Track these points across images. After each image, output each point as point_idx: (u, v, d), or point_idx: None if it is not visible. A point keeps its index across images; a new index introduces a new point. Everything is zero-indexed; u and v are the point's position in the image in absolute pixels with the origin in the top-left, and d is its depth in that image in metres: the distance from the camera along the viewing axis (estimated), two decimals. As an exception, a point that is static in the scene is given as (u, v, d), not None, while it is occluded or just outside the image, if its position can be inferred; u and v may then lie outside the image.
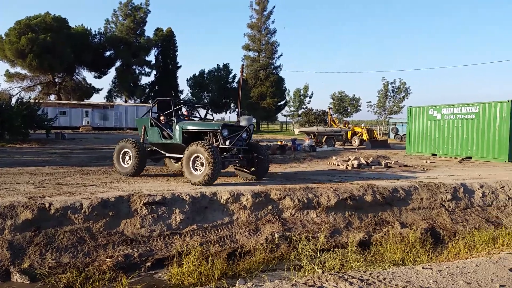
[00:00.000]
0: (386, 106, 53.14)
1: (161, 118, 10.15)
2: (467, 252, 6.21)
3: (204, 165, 8.26)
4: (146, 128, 10.15)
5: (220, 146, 8.86)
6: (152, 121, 9.98)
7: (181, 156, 9.31)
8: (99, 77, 55.40)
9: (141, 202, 7.11)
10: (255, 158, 9.64)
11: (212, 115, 11.36)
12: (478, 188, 9.50)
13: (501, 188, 9.62)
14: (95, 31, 52.79)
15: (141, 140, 10.16)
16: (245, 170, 9.86)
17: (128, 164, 9.95)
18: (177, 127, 9.39)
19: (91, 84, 54.27)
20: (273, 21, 60.62)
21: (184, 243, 6.60)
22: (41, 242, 5.95)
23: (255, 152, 9.66)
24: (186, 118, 10.37)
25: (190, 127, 9.33)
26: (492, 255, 5.32)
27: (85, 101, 47.31)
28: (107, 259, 5.87)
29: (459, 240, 6.87)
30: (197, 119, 10.91)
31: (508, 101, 16.19)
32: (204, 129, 9.27)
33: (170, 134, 9.68)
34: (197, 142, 8.42)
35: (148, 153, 10.16)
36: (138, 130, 10.66)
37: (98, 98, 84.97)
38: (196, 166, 8.51)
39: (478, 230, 7.69)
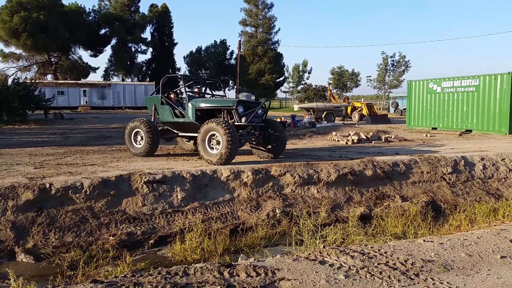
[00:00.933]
0: (386, 80, 52.63)
1: (172, 96, 9.91)
2: (468, 224, 6.25)
3: (221, 143, 7.98)
4: (156, 106, 9.85)
5: (236, 123, 8.56)
6: (162, 99, 9.67)
7: (194, 135, 9.14)
8: (95, 55, 54.69)
9: (141, 180, 7.11)
10: (272, 135, 9.33)
11: (224, 91, 10.99)
12: (479, 161, 9.50)
13: (501, 160, 9.63)
14: (89, 9, 51.86)
15: (152, 119, 9.87)
16: (261, 148, 9.59)
17: (140, 144, 9.69)
18: (189, 104, 9.08)
19: (87, 63, 53.66)
20: (270, -5, 59.26)
21: (186, 220, 6.63)
22: (43, 222, 5.97)
23: (271, 129, 9.32)
24: (197, 95, 10.00)
25: (203, 105, 9.02)
26: (493, 227, 5.36)
27: (83, 81, 46.87)
28: (110, 238, 5.90)
29: (460, 213, 6.91)
30: (209, 96, 10.56)
31: (509, 73, 16.05)
32: (218, 106, 8.95)
33: (182, 112, 9.39)
34: (212, 120, 8.15)
35: (160, 133, 9.86)
36: (148, 109, 10.39)
37: (95, 77, 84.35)
38: (212, 144, 8.25)
39: (479, 202, 7.72)
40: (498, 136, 15.80)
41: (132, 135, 9.81)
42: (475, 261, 4.13)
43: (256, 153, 9.77)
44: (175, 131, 9.86)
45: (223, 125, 7.90)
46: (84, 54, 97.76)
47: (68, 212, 6.22)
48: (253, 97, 10.17)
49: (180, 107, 9.58)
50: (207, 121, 8.25)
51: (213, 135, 8.17)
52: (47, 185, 6.42)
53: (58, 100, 37.31)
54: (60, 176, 6.98)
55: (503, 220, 5.96)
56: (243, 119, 8.57)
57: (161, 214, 6.76)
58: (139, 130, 9.61)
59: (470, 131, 17.65)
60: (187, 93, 9.38)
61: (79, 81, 45.08)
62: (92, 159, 9.35)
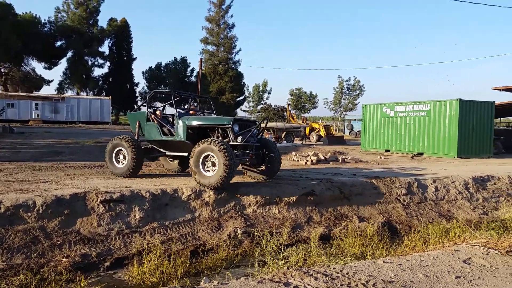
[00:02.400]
0: (341, 103, 54.46)
1: (157, 112, 9.38)
2: (422, 245, 6.47)
3: (217, 165, 7.33)
4: (141, 124, 9.17)
5: (231, 142, 7.99)
6: (149, 116, 9.10)
7: (183, 154, 8.69)
8: (49, 68, 52.67)
9: (97, 199, 6.86)
10: (266, 155, 8.87)
11: (213, 108, 10.36)
12: (431, 183, 9.93)
13: (452, 183, 10.12)
14: (44, 20, 50.10)
15: (136, 137, 9.19)
16: (253, 169, 9.07)
17: (123, 164, 8.96)
18: (180, 122, 8.50)
19: (40, 75, 51.54)
20: (232, 15, 60.14)
21: (145, 241, 6.43)
22: (-11, 243, 5.58)
23: (266, 149, 8.86)
24: (188, 111, 9.44)
25: (195, 122, 8.44)
26: (447, 248, 5.58)
27: (35, 93, 44.88)
28: (64, 259, 5.60)
29: (415, 233, 7.16)
30: (198, 112, 9.92)
31: (457, 99, 17.05)
32: (212, 125, 8.38)
33: (171, 130, 8.81)
34: (207, 140, 7.50)
35: (144, 152, 9.19)
36: (131, 126, 9.70)
37: (48, 90, 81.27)
38: (207, 166, 7.59)
39: (432, 223, 8.04)
40: (448, 159, 16.63)
41: (114, 154, 9.08)
42: (432, 281, 4.27)
43: (248, 174, 9.25)
44: (162, 150, 9.24)
45: (220, 145, 7.28)
46: (37, 66, 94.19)
47: (18, 232, 5.86)
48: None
49: (168, 125, 9.04)
50: (201, 141, 7.62)
51: (208, 156, 7.53)
52: (-5, 204, 6.04)
53: (7, 113, 35.53)
54: (10, 194, 6.59)
55: (456, 240, 6.23)
56: (239, 139, 8.03)
57: (117, 235, 6.52)
58: (122, 148, 8.93)
59: (422, 154, 18.47)
60: (177, 110, 8.80)
61: (31, 94, 43.14)
62: (44, 175, 8.90)
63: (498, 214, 9.37)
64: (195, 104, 10.28)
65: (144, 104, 9.64)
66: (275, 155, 8.88)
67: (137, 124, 9.22)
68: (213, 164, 7.49)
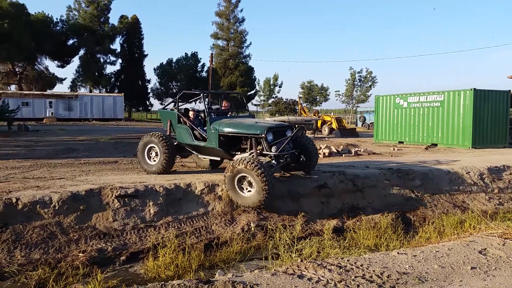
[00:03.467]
0: (353, 95, 53.94)
1: (190, 113, 8.94)
2: (437, 236, 6.42)
3: (255, 187, 6.94)
4: (172, 123, 8.99)
5: (265, 152, 7.60)
6: (180, 117, 8.79)
7: (217, 159, 8.58)
8: (62, 66, 53.43)
9: (113, 195, 6.95)
10: (302, 153, 8.42)
11: (247, 106, 10.05)
12: (446, 174, 9.82)
13: (466, 173, 9.99)
14: (56, 19, 50.75)
15: (168, 133, 8.99)
16: (289, 169, 8.72)
17: (155, 161, 8.86)
18: (211, 128, 8.07)
19: (54, 73, 52.40)
20: (241, 10, 59.90)
21: (159, 235, 6.51)
22: (9, 239, 5.72)
23: (303, 154, 8.40)
24: (216, 114, 8.98)
25: (227, 129, 7.97)
26: (462, 239, 5.53)
27: (48, 92, 45.55)
28: (80, 254, 5.71)
29: (429, 225, 7.10)
30: (229, 113, 9.61)
31: (471, 89, 16.77)
32: (244, 134, 7.86)
33: (203, 134, 8.40)
34: (242, 161, 6.96)
35: (176, 149, 8.95)
36: (162, 123, 9.52)
37: (61, 88, 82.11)
38: (243, 185, 7.22)
39: (446, 214, 7.96)
40: (462, 150, 16.40)
41: (146, 151, 8.97)
42: (447, 272, 4.24)
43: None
44: (194, 152, 8.97)
45: (256, 169, 6.77)
46: (50, 65, 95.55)
47: (35, 228, 5.99)
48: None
49: (200, 128, 8.61)
50: (235, 161, 7.13)
51: (244, 177, 7.13)
52: (14, 200, 6.18)
53: (22, 111, 36.10)
54: (27, 190, 6.73)
55: (471, 231, 6.16)
56: (273, 149, 7.53)
57: (133, 230, 6.61)
58: (154, 145, 8.80)
59: (436, 145, 18.25)
60: (209, 113, 8.40)
61: (45, 92, 43.80)
62: (60, 172, 9.05)
63: (514, 205, 9.23)
64: (227, 104, 9.79)
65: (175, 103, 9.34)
66: (312, 152, 8.47)
67: (168, 123, 9.03)
68: (250, 184, 7.11)
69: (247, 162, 6.89)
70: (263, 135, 7.49)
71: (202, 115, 9.11)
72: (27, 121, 33.30)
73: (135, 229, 6.62)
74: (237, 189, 7.22)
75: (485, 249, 4.99)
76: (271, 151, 7.50)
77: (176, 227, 6.83)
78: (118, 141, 17.30)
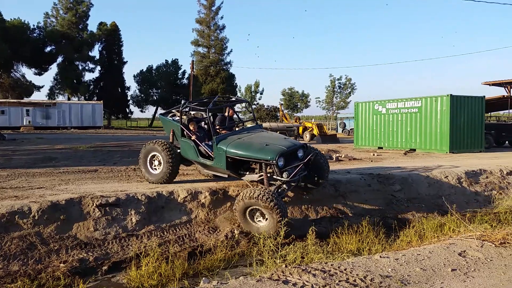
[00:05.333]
0: (333, 101, 54.65)
1: (191, 127, 8.29)
2: (418, 240, 6.53)
3: (269, 218, 6.62)
4: (175, 134, 8.48)
5: (274, 176, 7.18)
6: (183, 131, 8.25)
7: (224, 175, 8.09)
8: (39, 73, 52.48)
9: (93, 204, 6.86)
10: (313, 181, 8.13)
11: (253, 113, 9.73)
12: (425, 178, 10.03)
13: (445, 178, 10.22)
14: (33, 25, 49.90)
15: (170, 141, 8.57)
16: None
17: (158, 170, 8.49)
18: (218, 149, 7.49)
19: (31, 81, 51.44)
20: (222, 17, 60.22)
21: (142, 244, 6.44)
22: (-14, 251, 5.56)
23: (315, 172, 8.05)
24: (221, 130, 8.38)
25: (235, 152, 7.35)
26: (443, 242, 5.65)
27: (25, 99, 44.64)
28: (61, 265, 5.60)
29: (410, 229, 7.22)
30: (235, 124, 9.15)
31: (448, 95, 17.20)
32: (254, 159, 7.26)
33: (209, 152, 7.82)
34: (252, 194, 6.57)
35: (181, 157, 8.49)
36: (164, 129, 9.13)
37: (39, 96, 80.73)
38: (255, 217, 6.91)
39: (426, 218, 8.12)
40: (440, 155, 16.76)
41: (148, 159, 8.61)
42: (429, 275, 4.33)
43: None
44: (200, 167, 8.58)
45: (267, 200, 6.45)
46: (27, 72, 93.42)
47: (14, 238, 5.85)
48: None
49: (205, 145, 8.01)
50: (244, 194, 6.71)
51: (256, 210, 6.83)
52: (-9, 211, 6.01)
53: (-2, 119, 35.35)
54: (5, 201, 6.57)
55: (451, 234, 6.30)
56: (285, 175, 7.04)
57: (114, 239, 6.52)
58: (157, 153, 8.42)
59: (414, 150, 18.60)
60: (215, 130, 7.97)
61: (21, 100, 42.88)
62: (39, 182, 8.86)
63: (491, 207, 9.48)
64: (232, 111, 9.33)
65: (177, 111, 8.81)
66: (325, 170, 8.20)
67: (171, 132, 8.57)
68: (262, 215, 6.81)
69: (258, 196, 6.51)
70: (274, 161, 6.97)
71: (203, 124, 8.84)
72: (3, 129, 32.47)
73: (116, 238, 6.53)
74: (249, 220, 6.90)
75: (465, 251, 5.11)
76: (282, 177, 7.05)
77: (158, 236, 6.77)
78: (97, 149, 17.05)
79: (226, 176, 8.01)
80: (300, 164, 7.29)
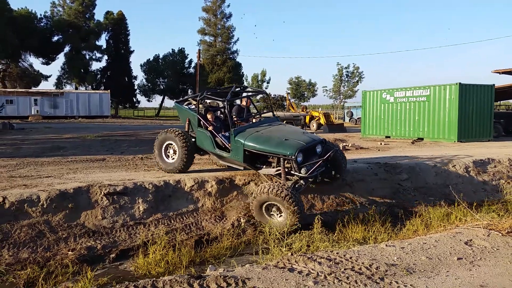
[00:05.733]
0: (341, 90, 54.33)
1: (209, 116, 8.26)
2: (424, 229, 6.53)
3: (284, 213, 6.55)
4: (191, 123, 8.44)
5: (292, 172, 7.06)
6: (200, 120, 8.14)
7: (239, 167, 7.95)
8: (47, 63, 52.60)
9: (101, 192, 6.92)
10: (330, 175, 8.09)
11: (271, 105, 9.38)
12: (432, 167, 9.97)
13: (452, 167, 10.15)
14: (40, 15, 49.93)
15: (186, 129, 8.53)
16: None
17: (173, 159, 8.43)
18: (236, 141, 7.42)
19: (38, 70, 51.53)
20: (229, 5, 59.80)
21: (149, 232, 6.50)
22: (-4, 239, 5.65)
23: (333, 167, 8.00)
24: (238, 122, 8.22)
25: (253, 145, 7.26)
26: (449, 230, 5.64)
27: (33, 89, 44.86)
28: (69, 253, 5.68)
29: (417, 218, 7.21)
30: (252, 116, 8.95)
31: (457, 83, 17.00)
32: (273, 153, 7.17)
33: (226, 144, 7.76)
34: (269, 189, 6.52)
35: (196, 146, 8.39)
36: (180, 117, 9.04)
37: (46, 86, 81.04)
38: (272, 212, 6.81)
39: (433, 207, 8.09)
40: (448, 144, 16.64)
41: (163, 148, 8.58)
42: (434, 263, 4.33)
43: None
44: (215, 157, 8.41)
45: (284, 196, 6.39)
46: (35, 62, 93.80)
47: (23, 226, 5.93)
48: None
49: (222, 136, 7.95)
50: (261, 189, 6.66)
51: (272, 205, 6.74)
52: (0, 199, 6.10)
53: (7, 109, 35.63)
54: (14, 189, 6.65)
55: (457, 223, 6.28)
56: (303, 171, 6.97)
57: (122, 227, 6.59)
58: (172, 142, 8.38)
59: (422, 139, 18.48)
60: (234, 123, 7.81)
61: (29, 90, 43.09)
62: (47, 170, 8.95)
63: (498, 197, 9.42)
64: (248, 101, 9.16)
65: (193, 100, 8.79)
66: (342, 165, 8.17)
67: (187, 121, 8.54)
68: (278, 210, 6.71)
69: (276, 191, 6.45)
70: (293, 156, 6.90)
71: (219, 113, 8.78)
72: (12, 119, 32.80)
73: (124, 226, 6.60)
74: (266, 215, 6.83)
75: (471, 240, 5.10)
76: (300, 172, 6.95)
77: (166, 224, 6.83)
78: (105, 139, 17.15)
79: (242, 168, 7.96)
80: (320, 161, 7.24)
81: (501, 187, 9.92)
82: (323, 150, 7.66)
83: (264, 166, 7.60)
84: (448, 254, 4.59)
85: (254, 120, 8.83)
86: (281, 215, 6.67)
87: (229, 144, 7.63)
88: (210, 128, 8.00)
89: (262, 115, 9.51)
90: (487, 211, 7.53)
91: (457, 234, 5.34)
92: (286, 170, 7.08)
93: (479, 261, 4.44)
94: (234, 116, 8.39)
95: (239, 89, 9.15)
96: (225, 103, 7.84)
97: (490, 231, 5.36)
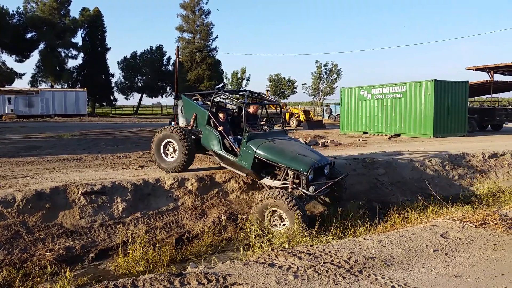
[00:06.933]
0: (320, 87, 54.81)
1: (221, 115, 8.00)
2: (401, 222, 6.67)
3: (287, 222, 6.35)
4: (198, 120, 8.12)
5: (300, 189, 6.90)
6: (209, 118, 7.83)
7: (241, 174, 7.79)
8: (21, 61, 51.19)
9: (79, 192, 6.82)
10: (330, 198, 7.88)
11: (281, 116, 9.20)
12: (408, 162, 10.18)
13: (428, 161, 10.39)
14: (12, 11, 48.51)
15: (190, 127, 8.23)
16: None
17: (172, 158, 8.15)
18: (247, 147, 7.20)
19: (12, 68, 50.17)
20: (207, 2, 59.36)
21: (129, 231, 6.45)
22: (-31, 241, 5.50)
23: (335, 187, 7.71)
24: (251, 131, 7.75)
25: (265, 155, 7.07)
26: (425, 223, 5.78)
27: (7, 87, 43.67)
28: (47, 253, 5.58)
29: (394, 211, 7.36)
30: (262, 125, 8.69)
31: (432, 80, 17.37)
32: (286, 166, 6.98)
33: (235, 148, 7.51)
34: (276, 196, 6.38)
35: (197, 145, 8.12)
36: (185, 112, 8.65)
37: (21, 84, 78.79)
38: (275, 220, 6.59)
39: (410, 201, 8.28)
40: (424, 139, 17.01)
41: (162, 146, 8.28)
42: (411, 255, 4.44)
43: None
44: (217, 159, 8.04)
45: (293, 207, 6.21)
46: (8, 59, 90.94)
47: (-2, 228, 5.79)
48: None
49: (231, 138, 7.68)
50: (266, 195, 6.53)
51: (275, 211, 6.55)
52: (-27, 200, 5.94)
53: (-21, 108, 34.61)
54: (-12, 190, 6.48)
55: (433, 216, 6.44)
56: (311, 189, 6.81)
57: (101, 227, 6.51)
58: (171, 140, 8.11)
59: (399, 135, 18.82)
60: (248, 128, 7.51)
61: (3, 88, 41.91)
62: (22, 170, 8.75)
63: (473, 190, 9.70)
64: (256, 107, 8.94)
65: (203, 100, 8.57)
66: (343, 188, 7.94)
67: (193, 116, 8.20)
68: (281, 219, 6.52)
69: (282, 199, 6.31)
70: (306, 173, 6.76)
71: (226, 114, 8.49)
72: (-16, 118, 31.87)
73: (103, 226, 6.52)
74: (266, 223, 6.58)
75: (446, 232, 5.24)
76: (308, 190, 6.80)
77: (145, 223, 6.78)
78: (82, 138, 16.87)
79: (244, 174, 7.80)
80: (330, 182, 7.17)
81: (475, 180, 10.22)
82: (330, 172, 7.58)
83: (269, 177, 7.43)
84: (425, 246, 4.71)
85: (266, 128, 8.69)
86: (284, 224, 6.44)
87: (237, 148, 7.45)
88: (220, 128, 7.72)
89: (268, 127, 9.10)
90: (462, 204, 7.75)
91: (433, 226, 5.48)
92: (294, 185, 6.94)
93: (454, 252, 4.57)
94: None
95: (251, 94, 8.96)
96: (243, 106, 7.65)
97: (465, 223, 5.52)
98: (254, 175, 7.54)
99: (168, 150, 8.28)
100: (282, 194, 6.38)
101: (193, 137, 8.16)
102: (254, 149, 7.13)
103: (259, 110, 9.04)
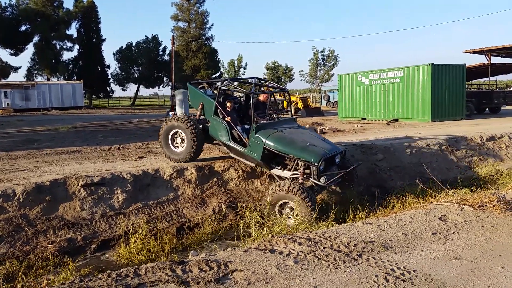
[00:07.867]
0: (317, 74, 54.70)
1: (228, 105, 7.83)
2: (400, 206, 6.72)
3: (296, 210, 6.21)
4: (205, 109, 7.97)
5: (311, 179, 6.83)
6: (217, 108, 7.67)
7: (250, 164, 7.66)
8: (15, 54, 50.81)
9: (78, 184, 6.84)
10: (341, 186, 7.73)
11: (290, 104, 8.73)
12: (406, 147, 10.21)
13: (426, 145, 10.42)
14: (5, 3, 48.29)
15: (197, 117, 8.10)
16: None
17: (181, 148, 8.05)
18: (256, 138, 7.06)
19: (7, 62, 49.81)
20: (202, -10, 58.74)
21: (130, 222, 6.49)
22: (-29, 235, 5.54)
23: (345, 181, 7.63)
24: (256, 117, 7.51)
25: (275, 146, 6.93)
26: (424, 207, 5.82)
27: (3, 81, 43.44)
28: (49, 245, 5.62)
29: (393, 196, 7.40)
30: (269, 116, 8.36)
31: (429, 64, 17.32)
32: (296, 157, 6.84)
33: (243, 138, 7.35)
34: (285, 186, 6.34)
35: (205, 134, 8.00)
36: (191, 102, 8.52)
37: (17, 77, 78.29)
38: (285, 211, 6.52)
39: (408, 185, 8.32)
40: (422, 123, 17.03)
41: (170, 137, 8.17)
42: (410, 239, 4.48)
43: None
44: (226, 149, 8.04)
45: (302, 196, 6.14)
46: (2, 53, 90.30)
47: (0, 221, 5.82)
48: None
49: (240, 129, 7.53)
50: (277, 186, 6.49)
51: (286, 203, 6.48)
52: (-26, 195, 5.96)
53: (-25, 103, 34.45)
54: (-12, 184, 6.49)
55: (432, 200, 6.49)
56: (322, 179, 6.73)
57: (102, 218, 6.55)
58: (179, 131, 7.98)
59: (397, 120, 18.84)
60: (256, 118, 7.37)
61: (-2, 82, 41.73)
62: (22, 164, 8.76)
63: (471, 173, 9.75)
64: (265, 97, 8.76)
65: (211, 89, 8.44)
66: (354, 177, 7.85)
67: (200, 106, 8.04)
68: (291, 209, 6.41)
69: (290, 188, 6.28)
70: (316, 164, 6.64)
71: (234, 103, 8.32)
72: (-19, 113, 31.75)
73: (104, 217, 6.56)
74: (278, 215, 6.51)
75: (445, 215, 5.29)
76: (319, 181, 6.73)
77: (146, 213, 6.82)
78: (80, 130, 16.84)
79: (253, 165, 7.67)
80: (342, 172, 7.08)
81: (474, 163, 10.26)
82: (341, 161, 7.49)
83: (279, 167, 7.33)
84: (423, 230, 4.76)
85: (274, 115, 8.58)
86: (295, 215, 6.24)
87: (246, 139, 7.30)
88: (228, 118, 7.57)
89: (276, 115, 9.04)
90: (461, 187, 7.80)
91: (431, 210, 5.52)
92: (305, 176, 6.85)
93: (452, 234, 4.62)
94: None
95: (258, 81, 8.76)
96: (252, 95, 7.54)
97: (463, 206, 5.57)
98: (264, 166, 7.46)
99: (176, 140, 8.17)
100: (294, 186, 6.30)
101: (200, 126, 8.03)
102: (264, 140, 6.99)
103: (268, 98, 8.91)
